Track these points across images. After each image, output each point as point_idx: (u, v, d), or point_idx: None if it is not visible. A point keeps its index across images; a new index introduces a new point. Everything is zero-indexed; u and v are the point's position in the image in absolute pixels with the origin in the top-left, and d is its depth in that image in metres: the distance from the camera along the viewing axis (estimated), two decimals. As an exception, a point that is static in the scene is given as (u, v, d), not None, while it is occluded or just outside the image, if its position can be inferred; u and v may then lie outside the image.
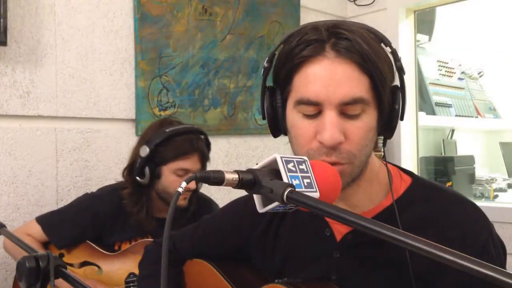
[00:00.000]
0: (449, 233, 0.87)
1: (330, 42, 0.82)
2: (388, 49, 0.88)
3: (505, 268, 0.88)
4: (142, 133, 1.78)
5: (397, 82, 0.89)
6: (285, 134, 0.92)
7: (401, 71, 0.89)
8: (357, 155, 0.84)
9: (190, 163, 1.70)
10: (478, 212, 0.91)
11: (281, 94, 0.89)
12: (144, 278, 1.25)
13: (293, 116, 0.87)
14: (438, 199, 0.92)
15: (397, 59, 0.88)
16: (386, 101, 0.86)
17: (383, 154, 0.97)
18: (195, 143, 1.71)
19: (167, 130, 1.68)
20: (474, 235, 0.87)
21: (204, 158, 1.75)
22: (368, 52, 0.81)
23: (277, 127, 0.92)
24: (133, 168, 1.73)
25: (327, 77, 0.81)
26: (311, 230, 1.00)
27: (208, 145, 1.81)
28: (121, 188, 1.77)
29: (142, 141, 1.73)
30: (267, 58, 0.93)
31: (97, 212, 1.74)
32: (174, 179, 1.70)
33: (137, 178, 1.71)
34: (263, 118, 0.93)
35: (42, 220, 1.71)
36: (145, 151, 1.67)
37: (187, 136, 1.70)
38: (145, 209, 1.75)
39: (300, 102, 0.84)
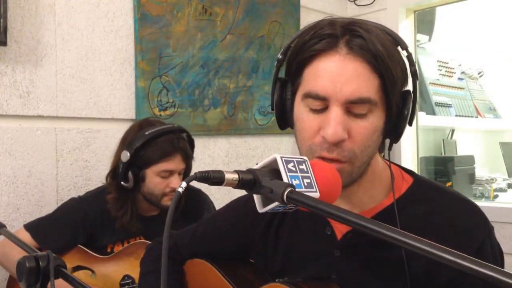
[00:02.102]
0: (447, 232, 0.87)
1: (345, 38, 0.82)
2: (404, 53, 0.87)
3: None
4: (122, 136, 1.75)
5: (410, 87, 0.88)
6: (292, 127, 0.92)
7: (414, 76, 0.88)
8: (358, 155, 0.84)
9: (174, 164, 1.68)
10: (478, 213, 0.91)
11: (292, 86, 0.89)
12: (145, 275, 1.25)
13: (300, 109, 0.87)
14: (439, 199, 0.92)
15: (412, 63, 0.88)
16: (395, 104, 0.85)
17: (383, 155, 0.97)
18: (177, 143, 1.68)
19: (147, 133, 1.65)
20: (471, 235, 0.87)
21: (187, 157, 1.72)
22: (381, 52, 0.81)
23: (285, 119, 0.92)
24: (116, 173, 1.70)
25: (337, 73, 0.81)
26: (312, 229, 1.00)
27: (191, 143, 1.79)
28: (108, 190, 1.75)
29: (123, 145, 1.70)
30: (282, 50, 0.93)
31: (86, 214, 1.72)
32: (158, 181, 1.68)
33: (122, 182, 1.69)
34: (272, 109, 0.93)
35: (31, 227, 1.68)
36: (126, 156, 1.64)
37: (167, 137, 1.67)
38: (130, 212, 1.73)
39: (308, 96, 0.84)
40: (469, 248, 0.85)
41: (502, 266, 0.91)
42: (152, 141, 1.65)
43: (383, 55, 0.81)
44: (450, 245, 0.81)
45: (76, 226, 1.71)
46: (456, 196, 0.93)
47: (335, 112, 0.81)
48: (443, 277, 0.86)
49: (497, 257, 0.89)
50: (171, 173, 1.69)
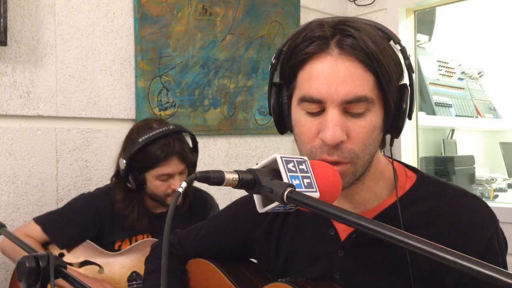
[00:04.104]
0: (455, 228, 0.87)
1: (335, 39, 0.81)
2: (397, 47, 0.87)
3: (506, 263, 0.89)
4: (125, 138, 1.76)
5: (406, 80, 0.88)
6: (291, 131, 0.92)
7: (410, 70, 0.88)
8: (359, 154, 0.83)
9: (170, 168, 1.68)
10: (485, 208, 0.91)
11: (287, 90, 0.89)
12: (149, 273, 1.26)
13: (297, 113, 0.86)
14: (443, 195, 0.92)
15: (406, 57, 0.87)
16: (392, 100, 0.84)
17: (384, 151, 0.97)
18: (171, 146, 1.67)
19: (140, 140, 1.65)
20: (479, 230, 0.87)
21: (184, 158, 1.71)
22: (373, 50, 0.80)
23: (283, 123, 0.91)
24: (119, 175, 1.74)
25: (330, 75, 0.80)
26: (315, 229, 1.00)
27: (193, 140, 1.80)
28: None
29: (122, 150, 1.73)
30: (274, 54, 0.92)
31: (96, 209, 1.75)
32: (159, 184, 1.70)
33: (127, 183, 1.72)
34: (270, 114, 0.93)
35: (42, 220, 1.71)
36: (122, 163, 1.68)
37: (160, 142, 1.66)
38: (137, 211, 1.75)
39: (303, 100, 0.83)
40: (478, 243, 0.86)
41: (506, 254, 0.91)
42: (145, 148, 1.65)
43: (375, 52, 0.80)
44: (459, 241, 0.81)
45: (87, 221, 1.73)
46: (461, 192, 0.93)
47: (332, 114, 0.80)
48: (451, 278, 0.86)
49: (503, 250, 0.89)
50: (169, 176, 1.70)
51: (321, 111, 0.83)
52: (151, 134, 1.66)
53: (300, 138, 0.87)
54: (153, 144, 1.66)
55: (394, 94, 0.85)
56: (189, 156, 1.76)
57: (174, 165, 1.69)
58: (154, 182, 1.70)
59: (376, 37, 0.82)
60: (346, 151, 0.82)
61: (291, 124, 0.90)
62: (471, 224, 0.87)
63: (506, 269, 0.85)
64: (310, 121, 0.84)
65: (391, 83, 0.83)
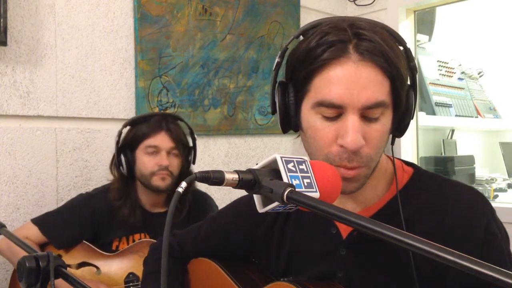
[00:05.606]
0: (452, 219, 0.88)
1: (352, 43, 0.81)
2: (401, 48, 0.87)
3: (510, 250, 0.89)
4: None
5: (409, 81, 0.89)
6: (295, 130, 0.91)
7: (414, 71, 0.88)
8: (374, 157, 0.84)
9: (158, 140, 1.74)
10: (480, 195, 0.92)
11: (297, 92, 0.87)
12: (148, 275, 1.26)
13: (311, 117, 0.85)
14: (440, 187, 0.94)
15: (411, 59, 0.88)
16: (402, 102, 0.86)
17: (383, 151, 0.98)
18: (162, 122, 1.76)
19: (139, 115, 1.79)
20: (476, 218, 0.88)
21: (174, 136, 1.76)
22: (390, 54, 0.80)
23: (289, 123, 0.90)
24: (114, 161, 1.80)
25: (351, 80, 0.80)
26: (317, 228, 1.00)
27: (191, 132, 1.88)
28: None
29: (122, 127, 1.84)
30: (279, 53, 0.91)
31: (94, 209, 1.75)
32: (146, 159, 1.74)
33: (120, 168, 1.77)
34: (272, 113, 0.92)
35: (39, 221, 1.71)
36: (115, 140, 1.77)
37: (153, 119, 1.77)
38: (129, 203, 1.77)
39: (321, 104, 0.82)
40: (477, 228, 0.87)
41: (509, 243, 0.91)
42: (138, 123, 1.77)
43: (392, 57, 0.81)
44: (457, 231, 0.81)
45: (84, 221, 1.74)
46: (456, 182, 0.95)
47: (353, 120, 0.80)
48: (454, 275, 0.86)
49: (504, 236, 0.90)
50: (156, 149, 1.74)
51: (338, 115, 0.82)
52: (145, 114, 1.82)
53: (315, 142, 0.85)
54: (146, 120, 1.77)
55: (404, 96, 0.86)
56: (181, 138, 1.80)
57: (162, 139, 1.74)
58: (142, 158, 1.74)
59: (388, 40, 0.83)
60: (364, 156, 0.82)
61: (298, 125, 0.89)
62: (468, 212, 0.89)
63: (511, 254, 0.86)
64: (327, 125, 0.83)
65: (404, 87, 0.85)
